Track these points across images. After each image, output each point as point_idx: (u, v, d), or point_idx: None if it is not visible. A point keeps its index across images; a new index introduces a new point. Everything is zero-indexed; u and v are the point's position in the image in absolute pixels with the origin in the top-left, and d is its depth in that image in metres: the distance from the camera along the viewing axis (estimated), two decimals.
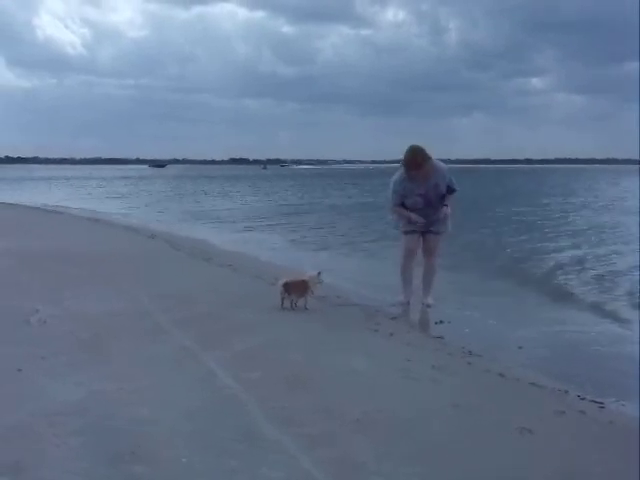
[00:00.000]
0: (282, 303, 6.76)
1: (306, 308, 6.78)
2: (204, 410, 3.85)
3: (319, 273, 6.91)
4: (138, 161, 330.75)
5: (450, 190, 7.28)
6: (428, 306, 7.41)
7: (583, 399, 4.41)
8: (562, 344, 6.07)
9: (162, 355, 5.02)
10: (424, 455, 3.30)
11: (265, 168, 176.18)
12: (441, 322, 6.71)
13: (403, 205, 7.32)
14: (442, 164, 7.36)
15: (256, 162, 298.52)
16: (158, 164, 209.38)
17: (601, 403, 4.34)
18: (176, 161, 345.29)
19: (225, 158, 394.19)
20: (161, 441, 3.39)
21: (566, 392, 4.54)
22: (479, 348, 5.64)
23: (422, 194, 7.20)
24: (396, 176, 7.32)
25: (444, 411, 3.97)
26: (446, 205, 7.24)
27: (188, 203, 30.77)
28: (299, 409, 3.89)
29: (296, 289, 6.75)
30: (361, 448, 3.36)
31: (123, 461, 3.13)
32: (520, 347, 5.85)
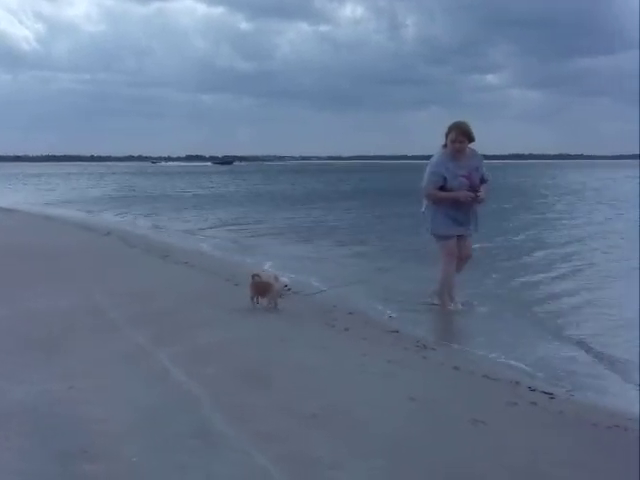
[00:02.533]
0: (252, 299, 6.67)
1: (271, 307, 6.58)
2: (157, 407, 3.80)
3: (286, 285, 6.65)
4: (92, 158, 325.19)
5: (482, 180, 7.05)
6: (433, 304, 7.23)
7: (534, 390, 4.48)
8: (513, 336, 6.16)
9: (115, 353, 4.94)
10: (381, 448, 3.32)
11: (223, 164, 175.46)
12: (396, 316, 6.75)
13: (442, 189, 6.92)
14: (480, 154, 7.18)
15: (212, 159, 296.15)
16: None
17: (551, 394, 4.42)
18: (131, 158, 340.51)
19: (182, 155, 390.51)
20: (112, 439, 3.34)
21: (517, 384, 4.61)
22: (434, 342, 5.71)
23: (466, 175, 6.90)
24: (435, 157, 7.02)
25: (400, 405, 4.00)
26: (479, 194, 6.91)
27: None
28: (254, 405, 3.87)
29: (261, 289, 6.60)
30: (317, 443, 3.35)
31: (73, 460, 3.07)
32: (473, 340, 5.94)
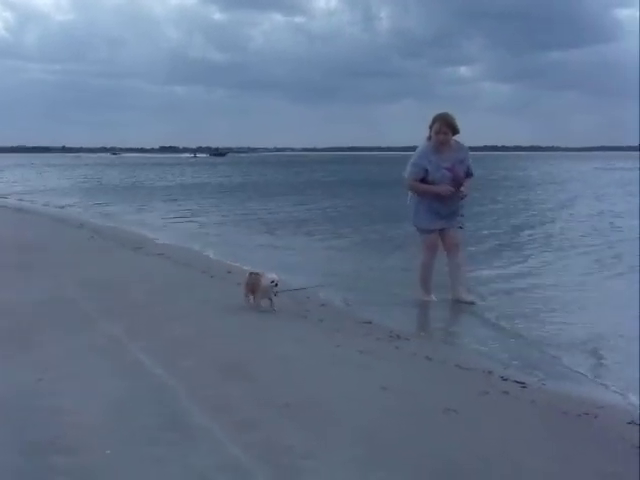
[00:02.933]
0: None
1: (261, 306, 6.29)
2: (131, 399, 3.78)
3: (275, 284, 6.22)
4: (64, 149, 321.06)
5: (468, 173, 6.96)
6: (472, 303, 6.93)
7: (506, 380, 4.53)
8: (485, 327, 6.22)
9: (88, 345, 4.90)
10: (353, 438, 3.33)
11: (195, 157, 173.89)
12: (368, 307, 6.77)
13: (424, 182, 6.86)
14: (466, 146, 7.08)
15: (186, 150, 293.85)
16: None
17: (523, 383, 4.47)
18: (105, 149, 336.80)
19: (155, 146, 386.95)
20: (84, 432, 3.31)
21: (490, 373, 4.66)
22: (407, 332, 5.75)
23: (449, 168, 6.80)
24: (419, 148, 6.95)
25: (372, 394, 4.02)
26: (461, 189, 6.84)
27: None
28: (229, 396, 3.87)
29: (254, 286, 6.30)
30: (291, 433, 3.36)
31: (42, 453, 3.04)
32: (446, 330, 5.99)
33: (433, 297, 7.09)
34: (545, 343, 5.65)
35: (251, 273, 6.42)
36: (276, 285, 6.16)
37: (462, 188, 6.84)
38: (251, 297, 6.34)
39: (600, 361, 5.16)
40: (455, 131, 6.84)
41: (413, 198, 7.07)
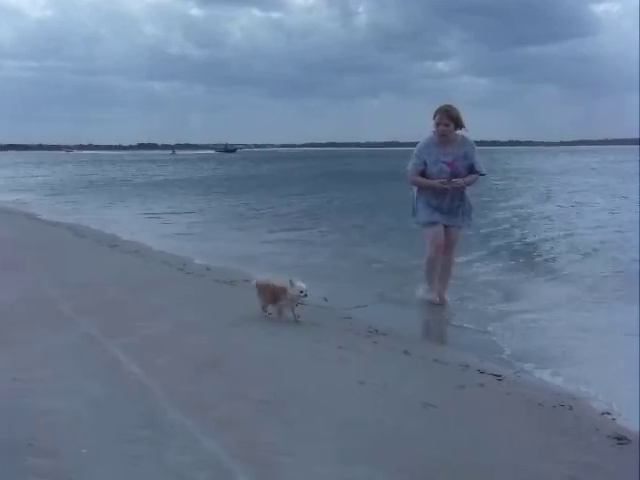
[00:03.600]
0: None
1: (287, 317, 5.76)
2: (107, 398, 3.74)
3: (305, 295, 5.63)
4: (41, 147, 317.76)
5: (472, 169, 6.69)
6: (442, 304, 6.78)
7: (482, 373, 4.57)
8: (463, 321, 6.26)
9: (64, 343, 4.85)
10: (332, 433, 3.33)
11: (174, 153, 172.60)
12: (340, 302, 6.77)
13: (424, 175, 6.70)
14: (473, 142, 6.81)
15: (165, 147, 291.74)
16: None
17: (499, 376, 4.52)
18: (82, 147, 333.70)
19: (133, 143, 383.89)
20: (60, 431, 3.27)
21: (467, 367, 4.70)
22: (385, 327, 5.76)
23: (449, 162, 6.59)
24: (422, 140, 6.78)
25: (351, 389, 4.02)
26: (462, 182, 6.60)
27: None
28: (207, 393, 3.85)
29: (271, 295, 5.75)
30: (269, 429, 3.35)
31: (19, 453, 2.98)
32: (424, 325, 6.03)
33: (436, 297, 6.80)
34: (521, 334, 5.71)
35: (265, 282, 5.84)
36: (305, 296, 5.59)
37: (453, 180, 6.57)
38: (270, 307, 5.82)
39: (573, 353, 5.23)
40: (458, 124, 6.61)
41: (414, 192, 6.93)
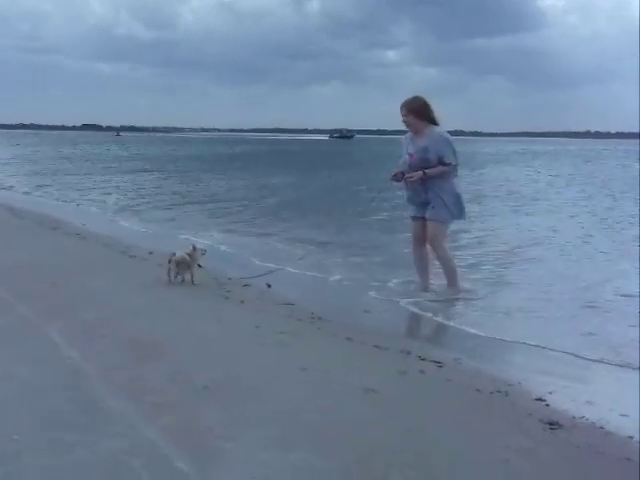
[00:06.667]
0: (170, 277, 6.44)
1: (193, 283, 6.51)
2: (42, 384, 3.65)
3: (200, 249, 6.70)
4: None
5: (442, 162, 6.52)
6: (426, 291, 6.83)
7: (423, 359, 4.63)
8: (402, 310, 6.35)
9: (1, 329, 4.71)
10: (272, 418, 3.33)
11: (119, 135, 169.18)
12: (291, 288, 6.79)
13: None
14: (444, 135, 6.63)
15: (110, 129, 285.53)
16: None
17: (439, 363, 4.59)
18: (23, 126, 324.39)
19: (77, 124, 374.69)
20: None
21: (408, 353, 4.75)
22: (328, 314, 5.78)
23: (410, 154, 6.61)
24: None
25: (292, 375, 4.03)
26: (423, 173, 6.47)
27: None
28: (145, 378, 3.80)
29: (183, 264, 6.44)
30: (208, 414, 3.33)
31: None
32: (366, 311, 6.07)
33: (427, 294, 6.77)
34: (461, 320, 5.82)
35: (181, 257, 6.39)
36: (204, 253, 6.66)
37: (407, 174, 6.55)
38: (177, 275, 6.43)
39: (512, 340, 5.35)
40: (421, 115, 6.56)
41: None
